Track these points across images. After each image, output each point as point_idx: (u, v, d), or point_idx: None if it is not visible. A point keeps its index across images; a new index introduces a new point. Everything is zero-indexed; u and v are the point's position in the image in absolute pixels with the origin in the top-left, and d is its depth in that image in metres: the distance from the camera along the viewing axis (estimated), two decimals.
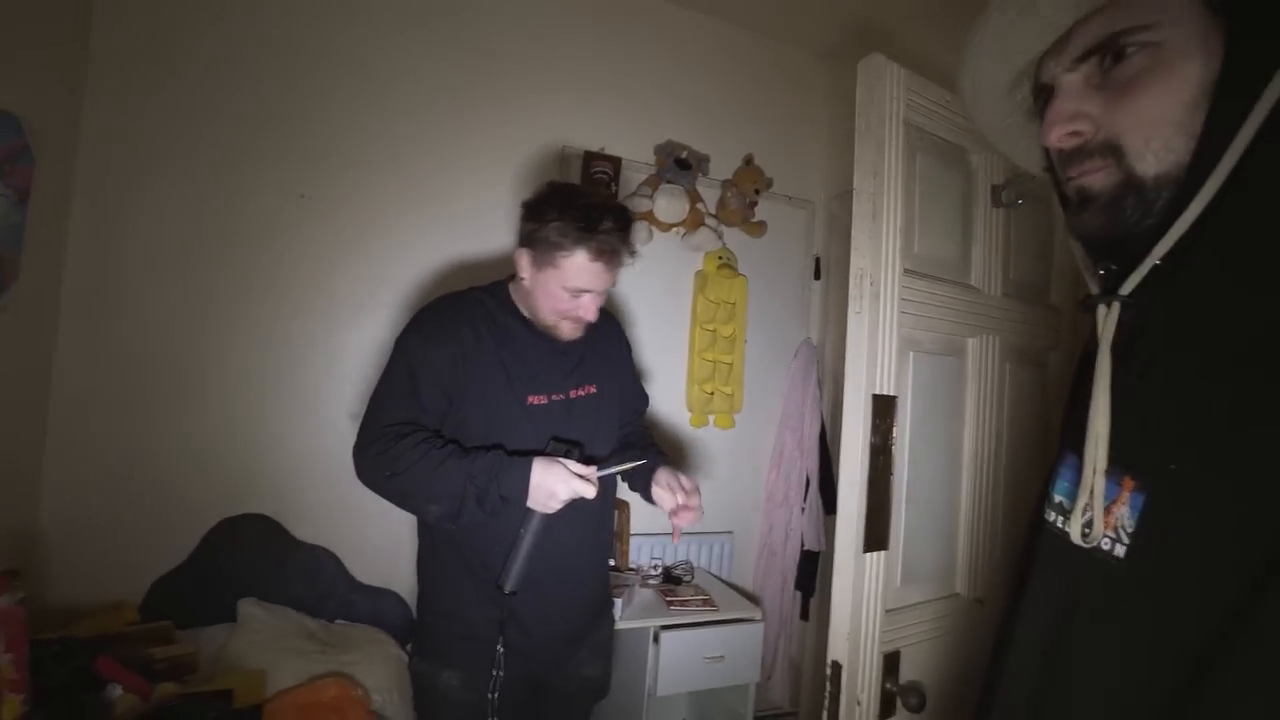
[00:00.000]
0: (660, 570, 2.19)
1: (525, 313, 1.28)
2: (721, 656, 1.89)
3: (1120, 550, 0.44)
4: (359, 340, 1.97)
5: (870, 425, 1.07)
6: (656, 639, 1.83)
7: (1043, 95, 0.52)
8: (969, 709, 0.59)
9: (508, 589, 1.19)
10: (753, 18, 2.44)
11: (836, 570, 1.07)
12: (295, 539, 1.90)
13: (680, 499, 1.27)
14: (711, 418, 2.41)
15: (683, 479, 1.30)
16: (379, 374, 1.26)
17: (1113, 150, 0.46)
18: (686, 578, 2.18)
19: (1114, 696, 0.43)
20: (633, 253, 1.24)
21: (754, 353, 2.46)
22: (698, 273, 2.37)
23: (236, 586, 1.76)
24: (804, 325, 2.60)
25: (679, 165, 2.27)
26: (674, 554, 2.31)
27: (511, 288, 1.32)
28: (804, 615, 2.49)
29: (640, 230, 2.21)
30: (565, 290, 1.19)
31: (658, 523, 2.30)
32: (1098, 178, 0.48)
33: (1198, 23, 0.43)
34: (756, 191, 2.39)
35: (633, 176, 2.25)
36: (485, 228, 2.10)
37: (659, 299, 2.33)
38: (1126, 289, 0.47)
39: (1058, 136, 0.49)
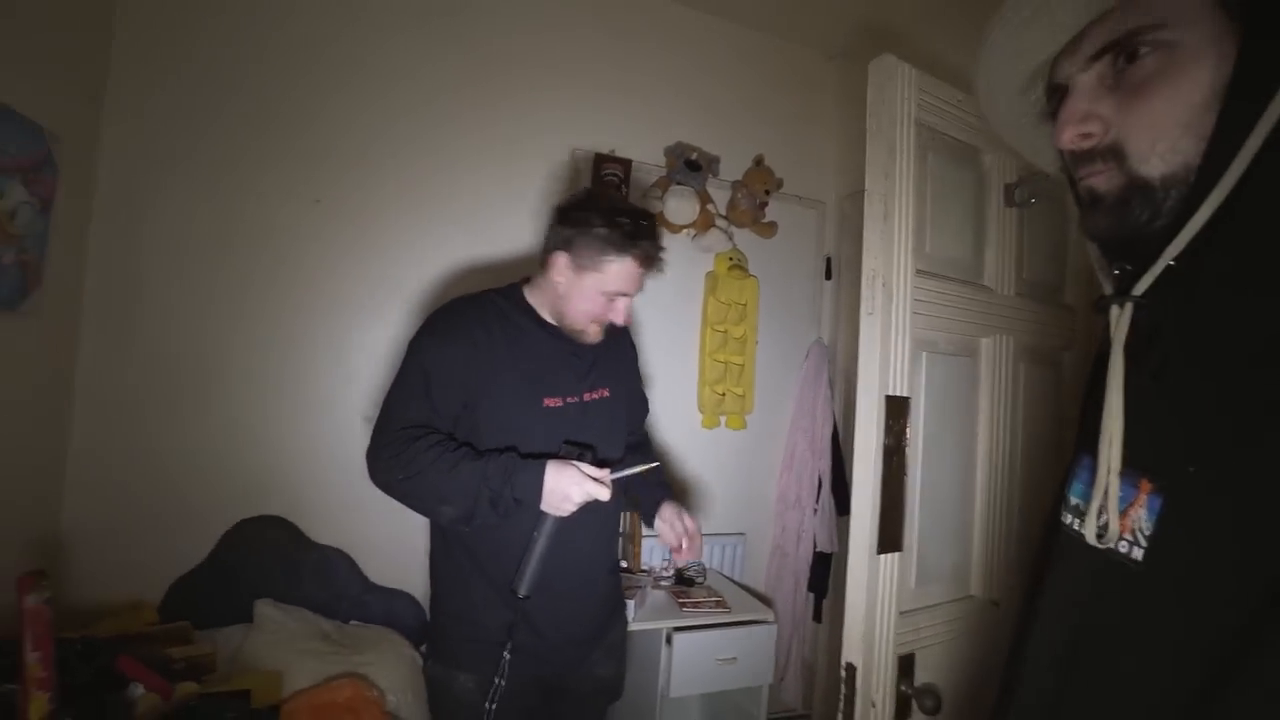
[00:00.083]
0: (672, 572, 2.19)
1: (543, 314, 1.29)
2: (734, 658, 1.89)
3: (1138, 553, 0.44)
4: (372, 342, 1.99)
5: (884, 426, 1.07)
6: (669, 641, 1.83)
7: (1056, 95, 0.52)
8: (985, 711, 0.59)
9: (521, 593, 1.18)
10: (762, 18, 2.44)
11: (850, 572, 1.06)
12: (310, 540, 1.92)
13: (684, 542, 1.32)
14: (723, 419, 2.41)
15: (686, 520, 1.34)
16: (392, 376, 1.26)
17: (1115, 154, 0.47)
18: (699, 579, 2.17)
19: (1132, 699, 0.43)
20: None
21: (765, 354, 2.45)
22: (708, 274, 2.37)
23: (253, 587, 1.78)
24: (815, 326, 2.59)
25: (689, 167, 2.27)
26: None
27: (526, 290, 1.32)
28: (817, 617, 2.48)
29: None
30: (603, 294, 1.22)
31: None
32: (1101, 180, 0.48)
33: (1211, 24, 0.43)
34: (767, 192, 2.39)
35: (643, 178, 2.26)
36: (496, 230, 2.12)
37: (670, 300, 2.33)
38: (1139, 290, 0.46)
39: (1069, 138, 0.49)
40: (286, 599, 1.79)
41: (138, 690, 1.28)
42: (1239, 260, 0.42)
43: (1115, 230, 0.48)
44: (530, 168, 2.17)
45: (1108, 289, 0.51)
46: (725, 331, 2.36)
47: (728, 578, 2.32)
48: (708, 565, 2.30)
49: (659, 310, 2.31)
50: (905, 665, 1.08)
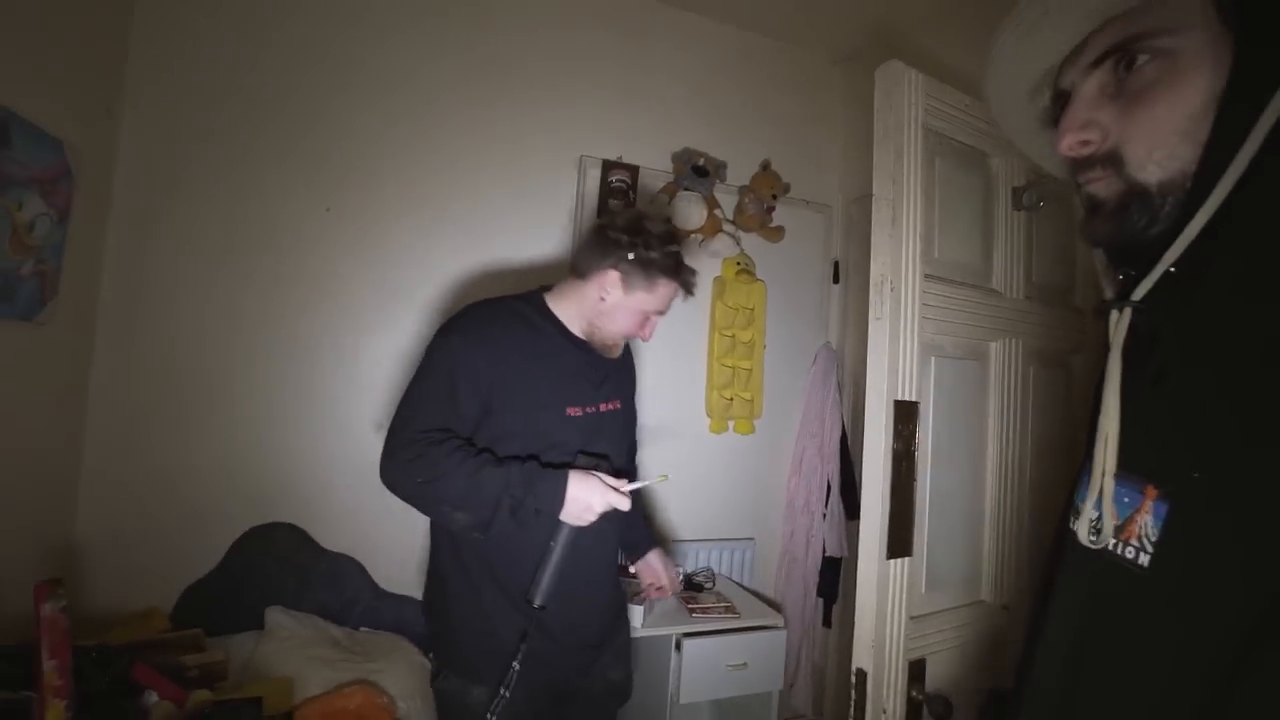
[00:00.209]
0: (682, 577, 2.18)
1: (567, 324, 1.31)
2: (744, 664, 1.88)
3: (1144, 559, 0.44)
4: (382, 349, 2.00)
5: (892, 431, 1.07)
6: (678, 646, 1.83)
7: (1061, 101, 0.53)
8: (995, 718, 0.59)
9: (537, 603, 1.18)
10: (768, 23, 2.45)
11: (860, 577, 1.06)
12: (320, 547, 1.93)
13: (665, 587, 1.51)
14: (731, 423, 2.40)
15: (670, 573, 1.53)
16: (408, 378, 1.26)
17: (1113, 161, 0.47)
18: (708, 585, 2.17)
19: (1137, 702, 0.43)
20: None
21: (773, 358, 2.45)
22: (716, 278, 2.37)
23: (264, 594, 1.79)
24: (823, 330, 2.59)
25: (696, 172, 2.28)
26: (695, 561, 2.31)
27: (549, 298, 1.33)
28: (826, 622, 2.46)
29: None
30: (644, 313, 1.30)
31: (679, 530, 2.30)
32: (1101, 186, 0.48)
33: (1207, 32, 0.44)
34: (774, 196, 2.39)
35: (650, 184, 2.27)
36: (503, 236, 2.13)
37: (677, 305, 2.31)
38: (1138, 295, 0.47)
39: (1069, 145, 0.50)
40: (297, 606, 1.81)
41: (152, 698, 1.29)
42: (1237, 265, 0.42)
43: (1114, 236, 0.49)
44: (538, 174, 2.18)
45: (1108, 294, 0.52)
46: (733, 336, 2.36)
47: (737, 583, 2.31)
48: (716, 571, 2.30)
49: (667, 315, 2.30)
50: (916, 671, 1.08)
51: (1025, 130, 0.64)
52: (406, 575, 1.98)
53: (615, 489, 1.17)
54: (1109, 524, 0.47)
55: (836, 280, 2.60)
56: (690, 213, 2.24)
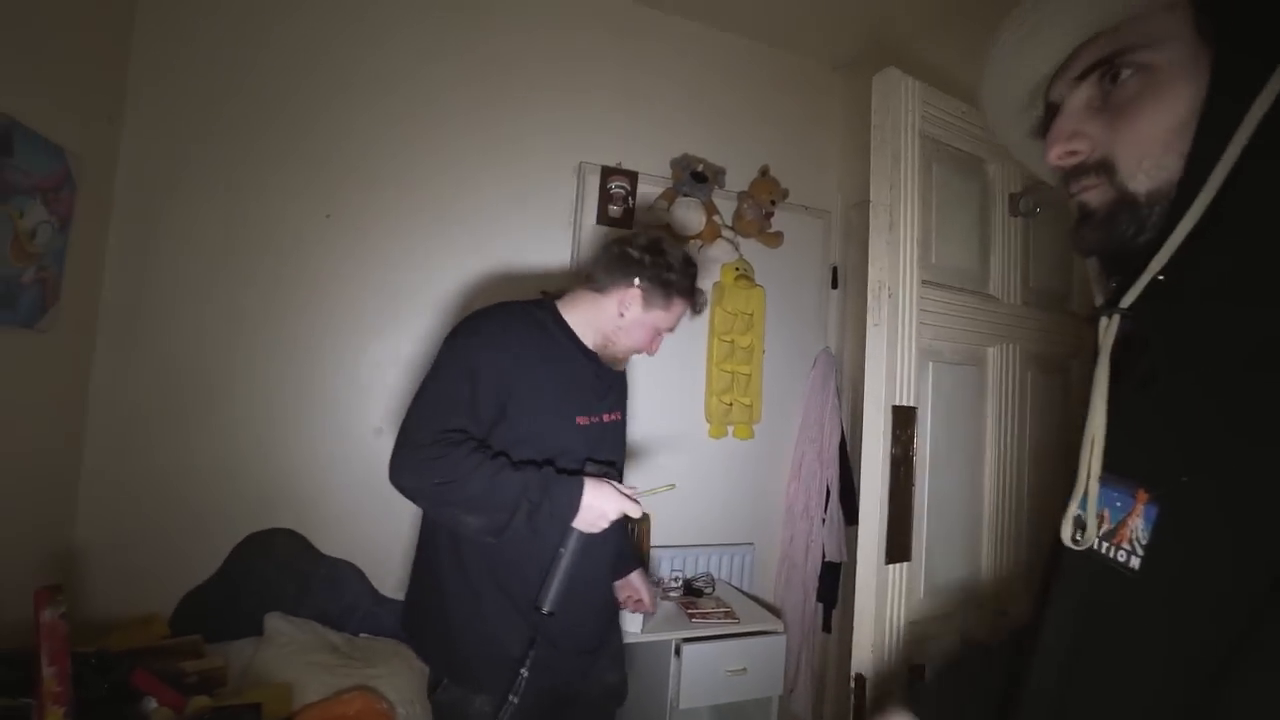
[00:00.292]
0: (681, 582, 2.18)
1: (578, 334, 1.33)
2: (744, 669, 1.88)
3: (1135, 562, 0.45)
4: (381, 354, 2.01)
5: (891, 436, 1.07)
6: (678, 652, 1.83)
7: (1051, 113, 0.54)
8: None
9: (546, 609, 1.18)
10: (767, 30, 2.47)
11: (859, 582, 1.06)
12: (320, 553, 1.92)
13: (645, 602, 1.57)
14: (730, 428, 2.41)
15: (651, 592, 1.60)
16: (416, 379, 1.26)
17: (1106, 168, 0.48)
18: (707, 590, 2.17)
19: (1132, 705, 0.44)
20: None
21: (772, 363, 2.45)
22: (715, 284, 2.38)
23: (263, 600, 1.79)
24: (822, 335, 2.59)
25: (695, 178, 2.29)
26: (695, 566, 2.31)
27: (561, 307, 1.34)
28: (826, 627, 2.46)
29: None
30: (657, 330, 1.35)
31: (679, 535, 2.30)
32: (1093, 194, 0.49)
33: (1187, 47, 0.45)
34: (773, 202, 2.40)
35: (650, 190, 2.28)
36: (503, 242, 2.14)
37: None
38: (1126, 302, 0.48)
39: (1056, 155, 0.51)
40: (296, 612, 1.80)
41: (151, 704, 1.28)
42: (1223, 270, 0.44)
43: (1103, 245, 0.50)
44: (538, 179, 2.19)
45: (1099, 300, 0.53)
46: (732, 341, 2.37)
47: (736, 588, 2.31)
48: (716, 576, 2.30)
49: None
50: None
51: (1020, 140, 0.65)
52: (406, 581, 1.98)
53: (629, 497, 1.18)
54: (1093, 526, 0.48)
55: (835, 285, 2.61)
56: (689, 218, 2.25)
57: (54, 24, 1.45)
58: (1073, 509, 0.49)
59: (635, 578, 1.58)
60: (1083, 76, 0.50)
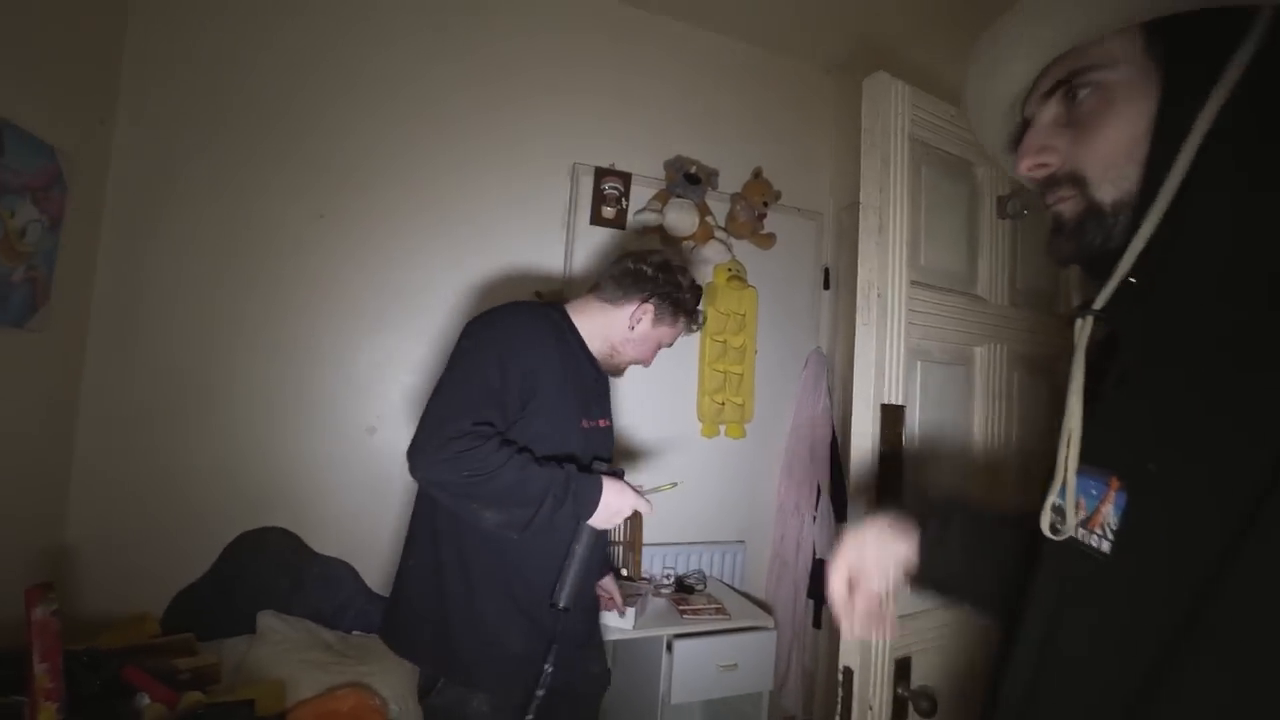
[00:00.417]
0: (673, 579, 2.20)
1: (587, 341, 1.37)
2: (735, 665, 1.90)
3: (1106, 546, 0.48)
4: (374, 354, 2.01)
5: (879, 434, 1.09)
6: (670, 648, 1.84)
7: (1025, 127, 0.57)
8: (979, 712, 0.61)
9: (562, 604, 1.22)
10: (760, 33, 2.48)
11: None
12: (313, 551, 1.93)
13: (617, 601, 1.69)
14: (723, 428, 2.42)
15: (619, 595, 1.71)
16: (418, 377, 1.27)
17: (1077, 180, 0.51)
18: (699, 587, 2.19)
19: (1094, 684, 0.46)
20: None
21: (764, 363, 2.47)
22: (708, 285, 2.39)
23: (255, 598, 1.79)
24: (814, 335, 2.61)
25: (688, 180, 2.30)
26: (687, 564, 2.32)
27: (572, 313, 1.38)
28: (816, 624, 2.48)
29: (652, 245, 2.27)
30: (660, 344, 1.43)
31: (670, 533, 2.32)
32: (1068, 205, 0.52)
33: (1139, 65, 0.48)
34: (765, 204, 2.42)
35: (643, 191, 2.29)
36: (497, 242, 2.14)
37: None
38: (1098, 304, 0.51)
39: (1026, 168, 0.54)
40: (289, 610, 1.81)
41: (144, 700, 1.29)
42: (1185, 272, 0.47)
43: (1075, 255, 0.53)
44: (532, 181, 2.20)
45: (1076, 303, 0.56)
46: (724, 341, 2.39)
47: (728, 585, 2.33)
48: (707, 573, 2.31)
49: None
50: (902, 669, 1.10)
51: (1003, 153, 0.69)
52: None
53: (641, 495, 1.24)
54: (1072, 516, 0.50)
55: (827, 286, 2.64)
56: (683, 220, 2.26)
57: (45, 24, 1.45)
58: (1051, 498, 0.52)
59: (608, 580, 1.68)
60: (1050, 93, 0.53)
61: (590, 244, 2.25)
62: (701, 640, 1.88)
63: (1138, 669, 0.43)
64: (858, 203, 1.18)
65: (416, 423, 1.16)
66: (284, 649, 1.64)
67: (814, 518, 2.42)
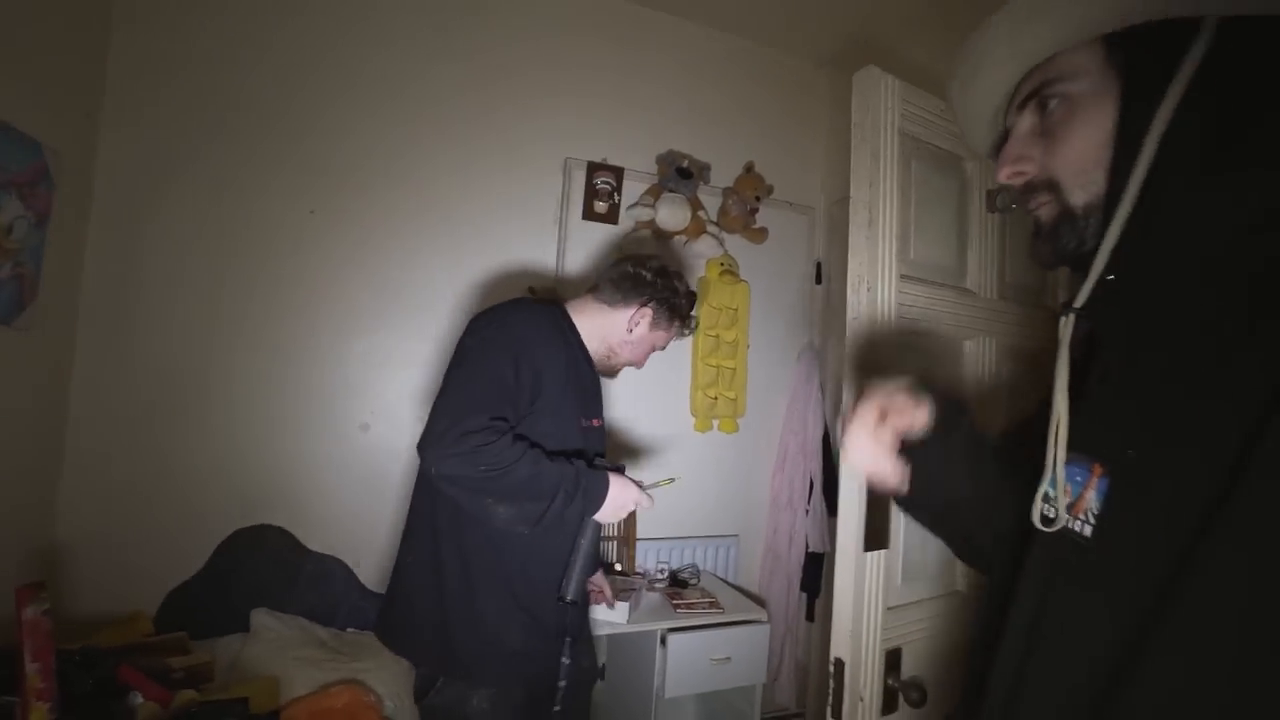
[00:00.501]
0: (666, 574, 2.21)
1: (585, 341, 1.39)
2: (728, 658, 1.91)
3: (1088, 530, 0.50)
4: (368, 351, 2.00)
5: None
6: (664, 641, 1.85)
7: (1005, 136, 0.60)
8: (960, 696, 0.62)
9: (569, 597, 1.25)
10: (753, 27, 2.48)
11: (838, 569, 1.09)
12: (306, 549, 1.93)
13: (605, 592, 1.75)
14: (715, 422, 2.43)
15: (608, 589, 1.76)
16: (420, 375, 1.28)
17: (1052, 186, 0.54)
18: (693, 581, 2.20)
19: (1076, 664, 0.48)
20: None
21: (757, 357, 2.48)
22: (700, 279, 2.40)
23: (249, 596, 1.79)
24: (806, 329, 2.62)
25: (680, 174, 2.30)
26: (680, 558, 2.33)
27: (572, 314, 1.39)
28: (809, 616, 2.50)
29: (644, 240, 2.27)
30: (654, 346, 1.46)
31: (664, 527, 2.33)
32: (1045, 210, 0.55)
33: (1102, 77, 0.51)
34: (757, 198, 2.42)
35: (635, 186, 2.29)
36: (491, 237, 2.14)
37: None
38: (1078, 302, 0.53)
39: (1004, 175, 0.57)
40: (283, 607, 1.81)
41: (137, 699, 1.29)
42: (1156, 268, 0.49)
43: (1052, 258, 0.55)
44: (524, 176, 2.19)
45: (1061, 300, 0.57)
46: (717, 336, 2.39)
47: (721, 579, 2.34)
48: (701, 567, 2.32)
49: None
50: (892, 660, 1.11)
51: (987, 151, 0.71)
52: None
53: (643, 491, 1.26)
54: (1062, 509, 0.52)
55: (819, 281, 2.64)
56: (675, 214, 2.26)
57: (28, 19, 1.43)
58: (1043, 487, 0.54)
59: (598, 575, 1.72)
60: (1024, 105, 0.56)
61: (582, 239, 2.24)
62: (695, 634, 1.89)
63: (1118, 648, 0.44)
64: (849, 197, 1.18)
65: (416, 421, 1.18)
66: (278, 646, 1.64)
67: (806, 511, 2.43)
